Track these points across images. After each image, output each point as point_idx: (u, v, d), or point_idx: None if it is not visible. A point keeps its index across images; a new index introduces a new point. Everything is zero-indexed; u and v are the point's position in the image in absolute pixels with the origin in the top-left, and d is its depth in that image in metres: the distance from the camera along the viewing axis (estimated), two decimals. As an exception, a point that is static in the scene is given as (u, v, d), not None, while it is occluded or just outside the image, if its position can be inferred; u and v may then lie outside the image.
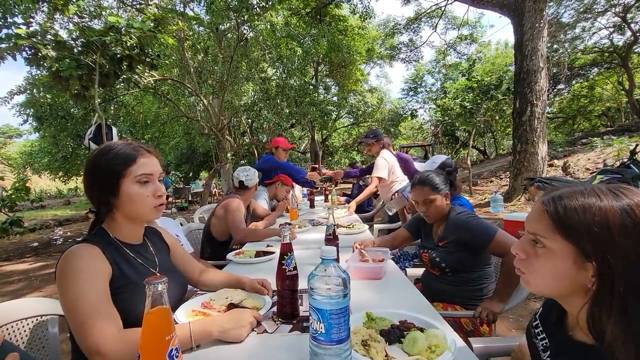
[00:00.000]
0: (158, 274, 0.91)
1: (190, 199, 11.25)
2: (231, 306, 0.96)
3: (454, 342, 0.74)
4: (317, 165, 17.94)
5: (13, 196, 7.75)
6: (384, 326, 0.84)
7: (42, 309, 1.06)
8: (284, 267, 0.93)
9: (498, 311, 1.24)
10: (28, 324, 1.02)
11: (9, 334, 0.97)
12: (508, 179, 9.15)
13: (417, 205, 1.53)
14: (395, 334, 0.79)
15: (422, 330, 0.80)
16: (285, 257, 0.93)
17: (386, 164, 3.10)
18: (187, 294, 1.15)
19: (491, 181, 11.34)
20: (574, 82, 16.62)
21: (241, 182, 2.28)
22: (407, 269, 1.81)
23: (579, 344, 0.59)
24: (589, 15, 13.40)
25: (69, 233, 7.85)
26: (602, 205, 0.54)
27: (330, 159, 23.77)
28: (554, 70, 14.45)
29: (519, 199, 6.60)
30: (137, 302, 0.85)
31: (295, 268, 0.94)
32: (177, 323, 0.89)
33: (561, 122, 19.58)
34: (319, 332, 0.62)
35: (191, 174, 19.71)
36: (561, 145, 11.97)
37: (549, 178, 4.71)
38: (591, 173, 7.22)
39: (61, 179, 12.93)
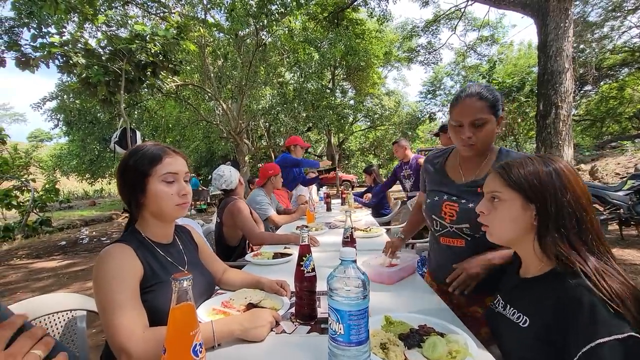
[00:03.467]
0: (185, 271, 0.94)
1: (209, 201, 11.50)
2: (250, 306, 0.98)
3: (475, 348, 0.72)
4: (333, 168, 17.95)
5: (44, 197, 8.17)
6: (402, 330, 0.83)
7: (71, 304, 1.11)
8: (302, 268, 0.93)
9: (475, 272, 1.05)
10: (59, 318, 1.08)
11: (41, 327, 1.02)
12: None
13: (456, 130, 1.12)
14: (415, 338, 0.78)
15: (442, 335, 0.79)
16: (303, 258, 0.94)
17: None
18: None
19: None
20: (602, 83, 15.91)
21: (224, 190, 2.23)
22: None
23: (530, 279, 0.80)
24: (619, 14, 12.83)
25: (94, 233, 8.18)
26: (535, 167, 0.77)
27: (347, 162, 23.73)
28: (581, 71, 13.90)
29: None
30: (167, 300, 0.88)
31: (313, 270, 0.95)
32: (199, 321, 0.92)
33: (588, 124, 18.76)
34: (338, 333, 0.63)
35: (210, 177, 20.18)
36: (588, 149, 11.48)
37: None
38: (621, 178, 6.89)
39: (87, 180, 13.50)
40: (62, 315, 1.09)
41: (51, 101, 8.79)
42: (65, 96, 8.51)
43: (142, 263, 0.89)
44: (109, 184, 18.11)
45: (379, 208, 4.02)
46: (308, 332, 0.88)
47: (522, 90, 9.89)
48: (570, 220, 0.72)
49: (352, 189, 18.93)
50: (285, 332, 0.88)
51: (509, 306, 0.82)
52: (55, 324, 1.06)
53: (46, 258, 5.71)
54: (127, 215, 1.05)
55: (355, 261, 0.66)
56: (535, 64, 10.09)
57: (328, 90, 14.23)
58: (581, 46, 14.08)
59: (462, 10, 13.13)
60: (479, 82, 12.12)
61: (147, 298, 0.86)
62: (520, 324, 0.76)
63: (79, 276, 4.39)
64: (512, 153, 1.18)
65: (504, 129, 10.88)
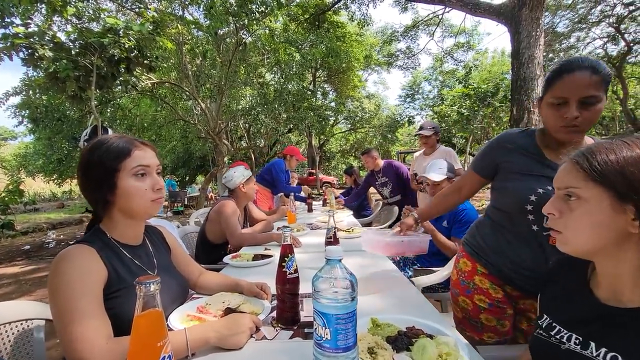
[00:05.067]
0: (151, 274, 0.87)
1: (186, 203, 11.15)
2: (228, 311, 0.91)
3: (466, 350, 0.70)
4: (313, 171, 17.93)
5: (6, 198, 7.62)
6: (390, 333, 0.79)
7: (28, 313, 1.00)
8: (284, 269, 0.88)
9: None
10: (12, 329, 0.96)
11: (-8, 340, 0.91)
12: (505, 186, 9.18)
13: (556, 108, 0.93)
14: (403, 341, 0.75)
15: (431, 337, 0.76)
16: (285, 259, 0.89)
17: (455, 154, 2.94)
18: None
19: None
20: (568, 90, 16.80)
21: (227, 188, 2.25)
22: (414, 279, 1.71)
23: (635, 310, 0.56)
24: (584, 26, 13.62)
25: (62, 236, 7.72)
26: (628, 154, 0.55)
27: (327, 164, 23.79)
28: (549, 79, 14.63)
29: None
30: (133, 307, 0.80)
31: (296, 271, 0.90)
32: (171, 329, 0.84)
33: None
34: (324, 339, 0.58)
35: (187, 177, 19.61)
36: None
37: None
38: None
39: (55, 181, 12.77)
40: (17, 326, 0.98)
41: (15, 97, 8.23)
42: (30, 91, 7.99)
43: (106, 266, 0.81)
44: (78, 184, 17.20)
45: (360, 209, 4.01)
46: (290, 338, 0.83)
47: (496, 95, 10.26)
48: None
49: (329, 188, 18.98)
50: (266, 338, 0.82)
51: (593, 345, 0.60)
52: (8, 336, 0.95)
53: (7, 264, 5.32)
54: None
55: (341, 260, 0.62)
56: (508, 71, 10.50)
57: (309, 92, 14.21)
58: (550, 55, 14.82)
59: (440, 16, 13.50)
60: (457, 87, 12.48)
61: (112, 305, 0.78)
62: None
63: (43, 282, 4.10)
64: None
65: (479, 132, 11.26)
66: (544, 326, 0.71)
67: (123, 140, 0.88)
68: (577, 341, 0.63)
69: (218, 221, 2.03)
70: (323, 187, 16.26)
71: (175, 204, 10.65)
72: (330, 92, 19.08)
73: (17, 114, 9.46)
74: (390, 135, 20.71)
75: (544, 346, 0.70)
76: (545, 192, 0.98)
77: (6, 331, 0.95)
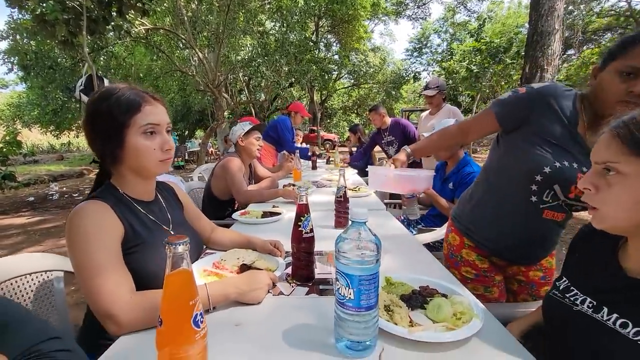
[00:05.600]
0: (174, 234, 0.87)
1: (186, 157, 11.12)
2: (243, 267, 0.93)
3: (480, 310, 0.72)
4: (315, 128, 17.64)
5: (4, 149, 7.57)
6: (404, 291, 0.81)
7: (47, 265, 1.03)
8: (300, 228, 0.88)
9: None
10: (33, 280, 0.99)
11: (13, 289, 0.94)
12: (508, 147, 9.10)
13: (625, 80, 0.82)
14: (418, 299, 0.77)
15: (445, 296, 0.78)
16: (302, 218, 0.89)
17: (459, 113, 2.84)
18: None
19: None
20: (585, 47, 15.97)
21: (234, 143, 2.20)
22: (416, 236, 1.74)
23: None
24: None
25: (64, 189, 7.80)
26: None
27: (329, 121, 23.35)
28: (567, 34, 13.81)
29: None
30: (150, 261, 0.81)
31: (312, 230, 0.90)
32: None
33: (567, 90, 19.12)
34: (347, 298, 0.59)
35: (187, 132, 19.35)
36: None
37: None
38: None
39: (52, 133, 12.59)
40: (37, 277, 1.00)
41: (1, 41, 7.79)
42: (18, 36, 7.54)
43: (122, 222, 0.80)
44: (77, 137, 16.99)
45: (365, 168, 4.00)
46: (307, 294, 0.85)
47: (509, 51, 9.74)
48: None
49: (334, 149, 18.86)
50: (283, 294, 0.84)
51: (606, 310, 0.61)
52: (30, 286, 0.98)
53: (13, 214, 5.43)
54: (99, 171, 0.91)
55: (366, 222, 0.60)
56: (523, 24, 9.87)
57: (311, 43, 13.46)
58: (570, 7, 13.84)
59: (456, -41, 12.37)
60: (468, 41, 11.82)
61: (130, 260, 0.78)
62: (630, 335, 0.56)
63: (51, 233, 4.22)
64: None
65: (487, 91, 10.89)
66: (561, 288, 0.73)
67: (133, 92, 0.83)
68: (590, 305, 0.65)
69: (223, 177, 2.02)
70: (327, 146, 16.14)
71: (176, 159, 10.62)
72: (334, 44, 18.11)
73: (6, 60, 9.03)
74: (394, 92, 20.09)
75: (557, 306, 0.72)
76: (561, 166, 0.93)
77: (27, 282, 0.97)
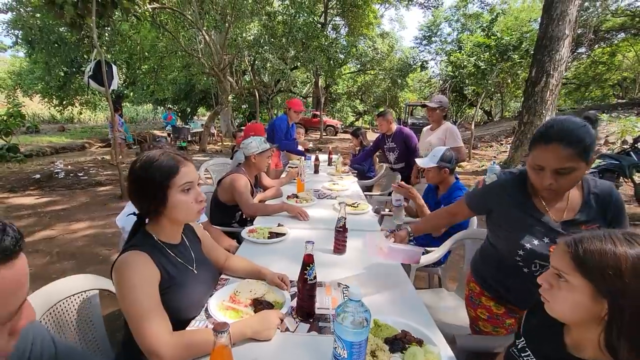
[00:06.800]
0: (197, 272, 1.06)
1: (189, 139, 11.19)
2: (255, 302, 1.11)
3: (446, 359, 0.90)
4: (318, 113, 17.58)
5: (8, 122, 7.65)
6: (388, 334, 0.99)
7: (87, 285, 1.20)
8: (305, 276, 1.05)
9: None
10: (76, 299, 1.17)
11: (62, 309, 1.11)
12: (509, 146, 9.19)
13: (535, 172, 1.02)
14: (398, 344, 0.94)
15: (421, 343, 0.96)
16: (307, 267, 1.05)
17: (459, 133, 2.97)
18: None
19: (491, 146, 11.36)
20: (596, 46, 15.72)
21: (245, 157, 2.34)
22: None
23: None
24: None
25: (69, 167, 7.94)
26: (616, 251, 0.63)
27: (332, 106, 23.19)
28: (579, 32, 13.58)
29: (516, 171, 6.74)
30: (179, 299, 1.00)
31: (315, 277, 1.06)
32: (210, 315, 1.05)
33: (574, 88, 18.96)
34: (342, 357, 0.76)
35: (189, 110, 19.26)
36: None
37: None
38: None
39: (56, 108, 12.55)
40: (79, 296, 1.18)
41: (5, 13, 7.68)
42: (22, 9, 7.44)
43: (158, 269, 0.97)
44: (80, 113, 16.93)
45: (365, 171, 4.15)
46: (308, 331, 1.03)
47: (518, 49, 9.64)
48: None
49: (336, 134, 18.85)
50: (289, 331, 1.02)
51: None
52: (74, 305, 1.15)
53: (21, 193, 5.60)
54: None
55: (360, 300, 0.77)
56: (536, 18, 9.70)
57: (319, 26, 13.23)
58: (585, 4, 13.54)
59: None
60: (479, 33, 11.63)
61: (164, 299, 0.95)
62: None
63: (61, 216, 4.41)
64: (598, 182, 1.09)
65: (492, 89, 10.84)
66: (519, 347, 0.88)
67: (169, 157, 0.99)
68: None
69: (230, 192, 2.17)
70: (333, 156, 16.04)
71: (179, 140, 10.70)
72: (343, 28, 17.75)
73: (9, 32, 8.94)
74: (400, 80, 19.89)
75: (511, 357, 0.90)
76: (532, 247, 1.09)
77: (72, 301, 1.15)
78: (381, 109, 3.61)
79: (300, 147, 4.01)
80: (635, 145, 4.65)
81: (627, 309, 0.62)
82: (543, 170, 0.99)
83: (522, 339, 0.90)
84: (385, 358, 0.90)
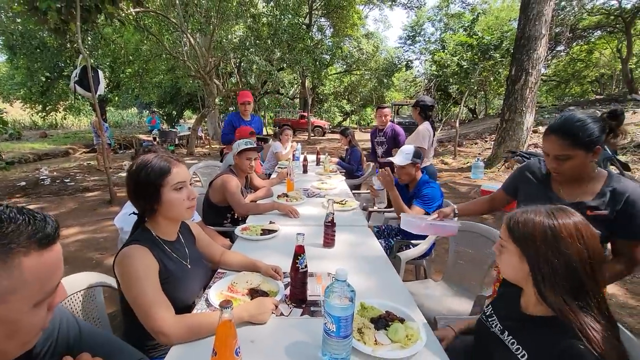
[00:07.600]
0: (190, 267, 1.15)
1: (176, 142, 11.13)
2: (252, 291, 1.20)
3: (425, 333, 1.01)
4: (305, 114, 17.68)
5: (-9, 130, 7.48)
6: (373, 315, 1.10)
7: (92, 281, 1.27)
8: (297, 265, 1.15)
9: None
10: (82, 293, 1.24)
11: (71, 303, 1.18)
12: (492, 143, 9.48)
13: (545, 157, 1.21)
14: (382, 323, 1.05)
15: (402, 321, 1.07)
16: (299, 257, 1.15)
17: (428, 135, 3.07)
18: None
19: (476, 143, 11.65)
20: (574, 44, 16.29)
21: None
22: (400, 253, 1.96)
23: (535, 318, 0.86)
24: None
25: (55, 173, 7.82)
26: (535, 221, 0.82)
27: (319, 106, 23.31)
28: (557, 30, 14.05)
29: (500, 168, 6.98)
30: (176, 290, 1.10)
31: (306, 266, 1.16)
32: (210, 304, 1.14)
33: (554, 85, 19.58)
34: (331, 330, 0.86)
35: (175, 113, 19.10)
36: (549, 112, 12.22)
37: (529, 153, 4.98)
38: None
39: (39, 114, 12.29)
40: (86, 292, 1.25)
41: (-16, 18, 7.53)
42: (2, 15, 7.31)
43: (157, 261, 1.06)
44: (64, 118, 16.58)
45: (353, 170, 4.26)
46: (301, 315, 1.13)
47: (499, 48, 9.96)
48: (564, 282, 0.76)
49: (324, 135, 18.97)
50: (283, 315, 1.12)
51: (507, 333, 0.89)
52: (80, 301, 1.23)
53: (7, 200, 5.51)
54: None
55: (346, 280, 0.87)
56: (516, 17, 10.03)
57: (304, 27, 13.32)
58: (562, 3, 14.03)
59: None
60: (461, 32, 11.92)
61: (163, 289, 1.04)
62: (519, 355, 0.83)
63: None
64: (623, 180, 1.15)
65: (475, 87, 11.14)
66: (487, 313, 1.01)
67: (161, 159, 1.09)
68: (499, 328, 0.94)
69: (222, 193, 2.24)
70: (321, 156, 16.11)
71: (166, 143, 10.64)
72: (327, 28, 17.90)
73: (-11, 36, 8.73)
74: (386, 80, 20.16)
75: (481, 327, 1.02)
76: None
77: (79, 297, 1.22)
78: (383, 104, 3.75)
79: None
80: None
81: (541, 265, 0.79)
82: (548, 156, 1.18)
83: (490, 307, 1.03)
84: (371, 334, 1.00)
